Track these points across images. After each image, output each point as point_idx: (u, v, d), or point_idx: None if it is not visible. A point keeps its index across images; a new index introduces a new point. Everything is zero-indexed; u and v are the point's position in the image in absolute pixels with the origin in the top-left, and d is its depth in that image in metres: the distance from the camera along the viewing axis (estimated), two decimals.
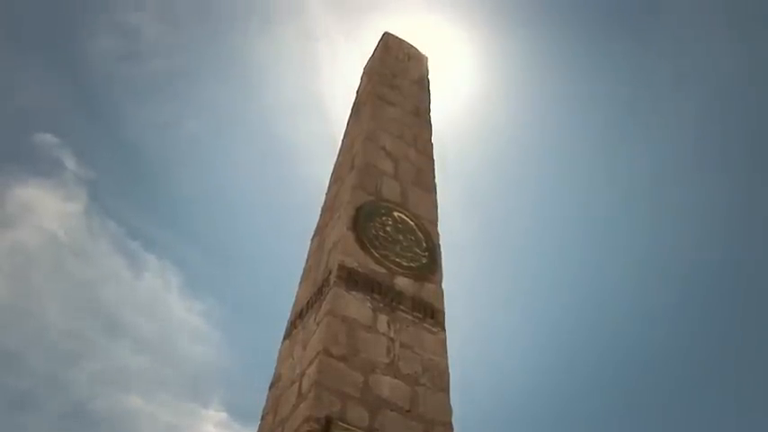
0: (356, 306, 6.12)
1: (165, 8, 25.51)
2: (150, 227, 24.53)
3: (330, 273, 6.45)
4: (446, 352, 6.37)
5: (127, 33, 24.40)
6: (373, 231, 6.86)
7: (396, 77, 9.60)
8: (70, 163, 22.95)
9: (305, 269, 7.70)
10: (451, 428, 5.83)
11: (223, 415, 22.32)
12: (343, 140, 9.30)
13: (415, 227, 7.28)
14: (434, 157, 8.69)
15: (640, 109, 25.20)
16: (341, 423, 5.14)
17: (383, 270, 6.59)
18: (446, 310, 6.77)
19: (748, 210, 23.72)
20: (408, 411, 5.61)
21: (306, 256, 7.96)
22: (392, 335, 6.10)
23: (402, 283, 6.61)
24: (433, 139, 9.00)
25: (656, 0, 25.15)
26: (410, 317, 6.37)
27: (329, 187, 8.61)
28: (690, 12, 24.65)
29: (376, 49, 10.40)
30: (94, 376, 21.37)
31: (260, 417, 6.37)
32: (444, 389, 6.05)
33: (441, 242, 7.46)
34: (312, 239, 8.10)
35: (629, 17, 25.38)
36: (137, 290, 24.05)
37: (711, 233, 23.10)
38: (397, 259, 6.76)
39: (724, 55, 24.43)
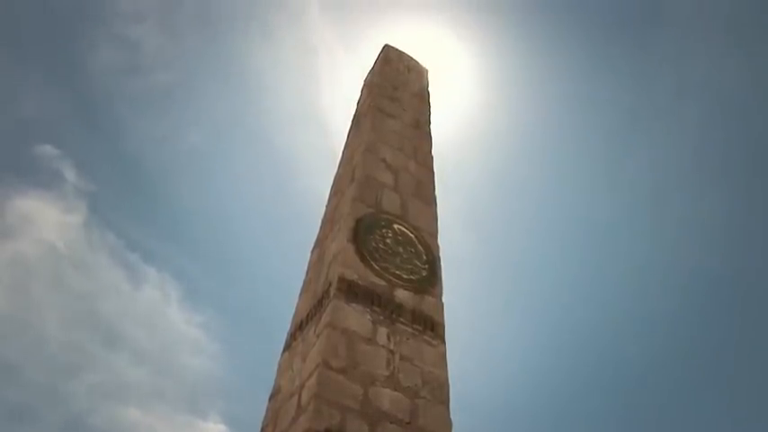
0: (356, 318, 6.11)
1: (164, 21, 25.65)
2: (150, 239, 24.57)
3: (330, 285, 6.44)
4: (446, 364, 6.36)
5: (127, 46, 24.52)
6: (373, 244, 6.86)
7: (396, 90, 9.63)
8: (70, 175, 23.02)
9: (305, 281, 7.70)
10: None
11: (222, 427, 22.24)
12: (343, 152, 9.32)
13: (415, 239, 7.28)
14: (434, 170, 8.71)
15: (642, 117, 25.33)
16: None
17: (383, 282, 6.58)
18: (446, 323, 6.76)
19: (748, 217, 23.78)
20: (408, 424, 5.59)
21: (306, 268, 7.96)
22: (392, 347, 6.09)
23: (402, 295, 6.60)
24: (433, 152, 9.03)
25: (658, 9, 25.29)
26: (410, 329, 6.36)
27: (329, 199, 8.62)
28: (691, 21, 24.81)
29: (376, 62, 10.44)
30: (93, 388, 21.33)
31: (259, 429, 6.34)
32: (444, 401, 6.04)
33: (441, 255, 7.46)
34: (312, 251, 8.10)
35: (630, 27, 25.55)
36: (136, 302, 24.04)
37: (711, 240, 23.17)
38: (397, 272, 6.76)
39: (725, 63, 24.57)
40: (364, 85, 10.43)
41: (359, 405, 5.44)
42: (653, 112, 25.54)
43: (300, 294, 7.53)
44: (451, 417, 5.99)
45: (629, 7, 25.70)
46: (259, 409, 6.58)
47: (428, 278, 7.00)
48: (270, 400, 6.52)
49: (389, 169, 8.06)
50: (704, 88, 25.00)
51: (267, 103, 26.11)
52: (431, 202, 8.13)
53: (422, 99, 9.89)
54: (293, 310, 7.45)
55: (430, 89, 10.23)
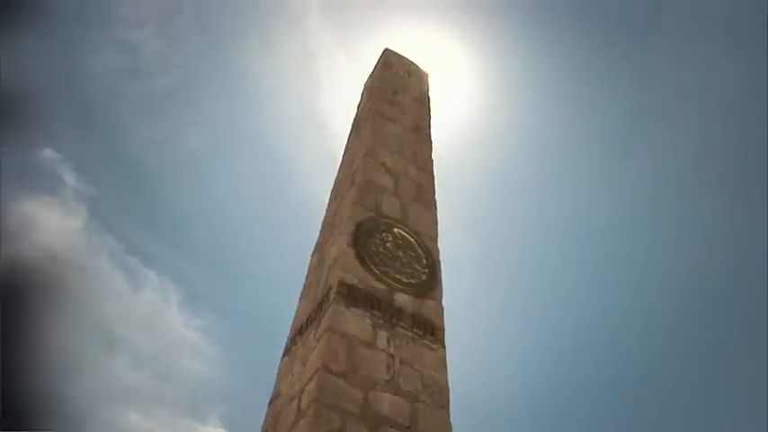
0: (356, 322, 6.12)
1: (164, 25, 25.67)
2: (150, 243, 24.56)
3: (330, 289, 6.46)
4: (446, 368, 6.37)
5: (127, 50, 24.53)
6: (373, 248, 6.88)
7: (396, 94, 9.65)
8: (70, 179, 23.03)
9: (305, 285, 7.71)
10: None
11: (221, 431, 22.23)
12: (343, 156, 9.34)
13: (414, 243, 7.30)
14: (434, 173, 8.73)
15: (642, 118, 25.36)
16: None
17: (383, 287, 6.60)
18: (446, 326, 6.78)
19: (748, 218, 23.78)
20: (408, 428, 5.61)
21: (306, 272, 7.97)
22: (392, 351, 6.10)
23: (402, 299, 6.62)
24: (433, 155, 9.04)
25: (658, 11, 25.32)
26: (410, 333, 6.38)
27: (329, 203, 8.63)
28: (691, 22, 24.85)
29: (376, 66, 10.46)
30: (93, 393, 21.29)
31: None
32: (444, 405, 6.05)
33: (441, 258, 7.48)
34: (312, 255, 8.12)
35: (630, 29, 25.56)
36: (136, 305, 24.03)
37: (711, 241, 23.22)
38: (397, 276, 6.78)
39: (725, 65, 24.62)
40: (364, 88, 10.45)
41: (359, 409, 5.45)
42: (653, 114, 25.61)
43: (300, 298, 7.55)
44: (451, 419, 6.01)
45: (629, 9, 25.73)
46: (259, 413, 6.61)
47: (428, 282, 7.02)
48: (270, 404, 6.53)
49: (389, 173, 8.08)
50: (704, 90, 25.07)
51: (267, 107, 26.15)
52: (431, 206, 8.15)
53: (422, 103, 9.91)
54: (293, 314, 7.47)
55: (430, 93, 10.26)
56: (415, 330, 6.44)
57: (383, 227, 7.24)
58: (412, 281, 6.85)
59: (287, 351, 6.96)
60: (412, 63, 10.57)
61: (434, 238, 7.67)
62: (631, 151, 25.46)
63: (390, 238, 7.15)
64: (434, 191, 8.44)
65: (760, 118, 22.99)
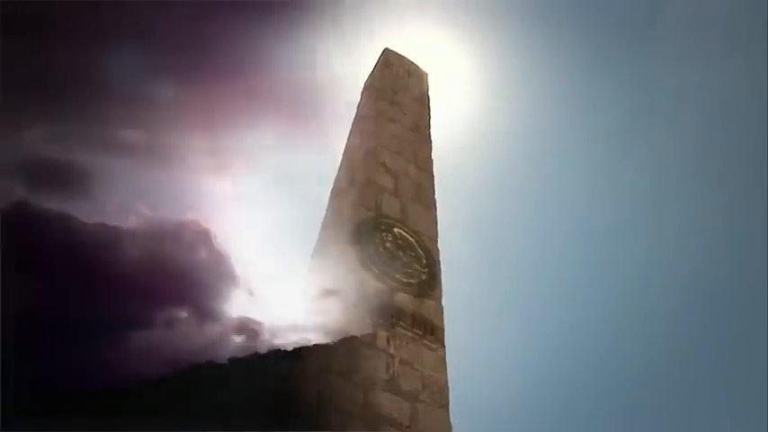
0: (356, 322, 6.13)
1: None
2: None
3: None
4: (446, 368, 6.39)
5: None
6: (373, 248, 6.89)
7: (396, 94, 9.65)
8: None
9: None
10: None
11: None
12: (343, 156, 9.34)
13: (414, 243, 7.32)
14: (434, 173, 8.74)
15: (642, 119, 25.35)
16: None
17: (383, 286, 6.61)
18: (446, 326, 6.79)
19: (748, 218, 23.79)
20: (408, 428, 5.62)
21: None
22: (392, 351, 6.12)
23: (402, 299, 6.64)
24: (433, 155, 9.05)
25: (658, 11, 25.31)
26: (410, 333, 6.39)
27: (329, 203, 8.63)
28: (691, 23, 24.84)
29: (376, 66, 10.46)
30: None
31: None
32: (444, 405, 6.07)
33: (441, 258, 7.49)
34: (313, 255, 8.11)
35: (630, 29, 25.54)
36: None
37: (711, 241, 23.22)
38: (397, 276, 6.79)
39: (725, 65, 24.61)
40: (364, 88, 10.45)
41: (359, 409, 5.46)
42: (653, 114, 25.60)
43: None
44: (451, 419, 6.03)
45: (629, 9, 25.72)
46: None
47: (428, 282, 7.04)
48: None
49: (389, 173, 8.09)
50: (704, 90, 25.07)
51: None
52: (430, 206, 8.16)
53: (422, 103, 9.91)
54: None
55: (430, 93, 10.26)
56: (414, 330, 6.45)
57: (383, 227, 7.25)
58: (412, 281, 6.87)
59: None
60: (412, 63, 10.58)
61: (434, 238, 7.68)
62: (631, 151, 25.45)
63: (390, 238, 7.16)
64: (434, 191, 8.45)
65: (760, 118, 23.01)
